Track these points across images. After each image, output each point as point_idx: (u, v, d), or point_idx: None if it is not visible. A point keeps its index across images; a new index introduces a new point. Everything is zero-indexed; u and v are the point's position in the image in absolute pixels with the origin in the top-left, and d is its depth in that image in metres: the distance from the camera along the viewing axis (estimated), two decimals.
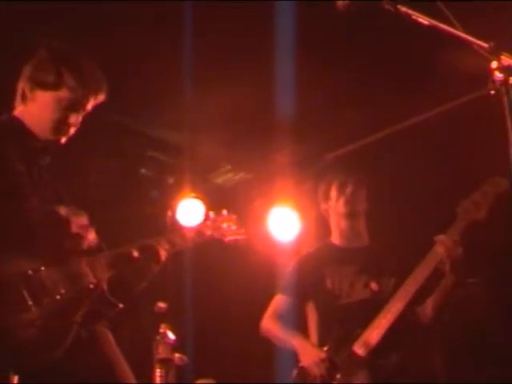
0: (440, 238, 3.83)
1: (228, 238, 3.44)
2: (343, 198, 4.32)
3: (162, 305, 4.57)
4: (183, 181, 6.08)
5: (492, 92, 2.37)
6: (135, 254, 2.97)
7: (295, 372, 4.17)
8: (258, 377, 5.97)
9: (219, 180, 6.57)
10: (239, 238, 3.48)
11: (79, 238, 2.86)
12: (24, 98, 3.02)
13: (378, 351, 3.86)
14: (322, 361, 4.00)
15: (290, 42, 4.74)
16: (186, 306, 6.17)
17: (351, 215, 4.30)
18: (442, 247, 3.80)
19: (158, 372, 4.47)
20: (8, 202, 2.82)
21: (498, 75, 2.34)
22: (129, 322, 5.56)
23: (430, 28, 2.47)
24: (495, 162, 4.20)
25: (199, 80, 5.05)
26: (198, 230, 3.35)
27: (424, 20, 2.48)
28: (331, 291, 4.18)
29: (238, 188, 6.66)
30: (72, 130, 3.03)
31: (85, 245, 2.88)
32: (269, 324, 4.46)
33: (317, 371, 4.01)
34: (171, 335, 4.54)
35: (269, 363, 6.13)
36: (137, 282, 3.03)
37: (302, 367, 4.13)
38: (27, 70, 3.01)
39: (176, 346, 4.57)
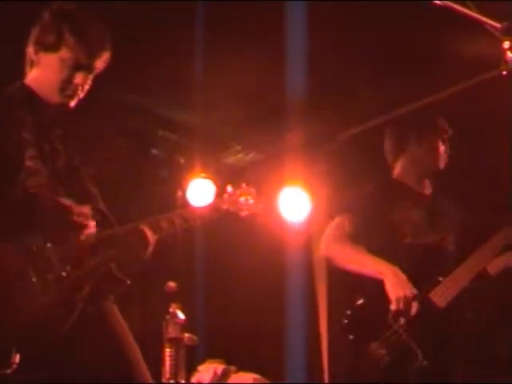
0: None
1: (244, 213, 3.32)
2: (436, 153, 4.08)
3: (172, 284, 4.59)
4: (194, 161, 6.08)
5: (504, 72, 2.35)
6: (120, 236, 2.93)
7: (349, 312, 3.80)
8: (268, 356, 5.99)
9: (230, 160, 6.56)
10: (255, 212, 3.37)
11: (79, 226, 2.85)
12: (31, 62, 3.00)
13: (454, 306, 3.68)
14: (413, 298, 3.65)
15: (301, 22, 4.72)
16: (196, 286, 6.19)
17: (438, 171, 4.11)
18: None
19: (167, 351, 4.49)
20: (11, 174, 2.80)
21: (511, 55, 2.32)
22: (139, 301, 5.58)
23: (443, 7, 2.45)
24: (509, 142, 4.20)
25: (210, 60, 5.04)
26: (214, 204, 3.28)
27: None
28: (397, 228, 3.90)
29: (249, 168, 6.66)
30: (80, 91, 2.98)
31: (84, 234, 2.87)
32: (341, 246, 3.97)
33: (399, 307, 3.63)
34: (181, 315, 4.56)
35: (279, 343, 6.16)
36: (127, 265, 3.01)
37: (362, 305, 3.79)
38: (32, 34, 2.99)
39: (186, 326, 4.59)
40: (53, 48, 2.92)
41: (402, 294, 3.65)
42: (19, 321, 2.66)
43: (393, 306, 3.65)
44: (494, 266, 3.84)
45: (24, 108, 2.94)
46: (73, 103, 3.00)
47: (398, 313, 3.63)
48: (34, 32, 2.98)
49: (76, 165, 3.07)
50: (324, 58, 5.12)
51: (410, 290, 3.66)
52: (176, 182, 5.88)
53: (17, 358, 2.61)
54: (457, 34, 4.28)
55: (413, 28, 4.66)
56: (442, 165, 4.11)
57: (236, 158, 6.61)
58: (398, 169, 4.21)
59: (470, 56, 4.69)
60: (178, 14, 4.63)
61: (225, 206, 3.26)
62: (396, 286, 3.68)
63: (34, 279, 2.69)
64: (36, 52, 2.96)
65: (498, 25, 2.36)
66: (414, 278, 3.71)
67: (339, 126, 6.11)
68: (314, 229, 6.52)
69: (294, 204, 5.84)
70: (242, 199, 3.32)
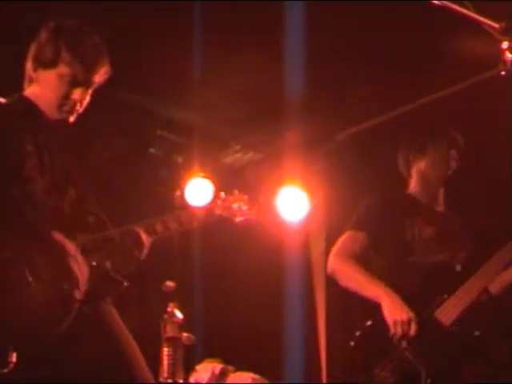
0: None
1: (238, 218, 3.37)
2: (444, 165, 4.09)
3: (170, 284, 4.58)
4: (192, 160, 6.07)
5: (503, 73, 2.35)
6: (116, 239, 2.94)
7: (358, 333, 3.81)
8: (266, 356, 5.99)
9: (228, 160, 6.56)
10: (250, 218, 3.40)
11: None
12: (30, 79, 3.01)
13: (460, 323, 3.67)
14: (409, 321, 3.67)
15: (300, 21, 4.71)
16: (194, 285, 6.19)
17: (445, 180, 4.11)
18: None
19: (165, 351, 4.49)
20: (12, 183, 2.81)
21: (509, 56, 2.32)
22: (136, 301, 5.58)
23: (441, 7, 2.45)
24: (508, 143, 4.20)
25: (209, 59, 5.04)
26: (208, 209, 3.31)
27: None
28: (407, 245, 3.90)
29: (247, 168, 6.65)
30: (79, 107, 3.00)
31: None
32: (344, 264, 3.99)
33: (399, 331, 3.67)
34: (179, 314, 4.55)
35: (277, 343, 6.16)
36: (121, 266, 3.01)
37: (372, 326, 3.79)
38: (31, 51, 3.01)
39: (184, 325, 4.58)
40: (50, 64, 2.93)
41: (398, 318, 3.70)
42: (16, 320, 2.66)
43: (391, 330, 3.70)
44: (496, 285, 3.83)
45: (23, 118, 2.95)
46: (72, 119, 3.01)
47: (398, 336, 3.68)
48: (33, 48, 3.00)
49: (73, 177, 3.07)
50: (323, 57, 5.11)
51: (406, 315, 3.69)
52: (174, 182, 5.87)
53: (14, 358, 2.61)
54: (455, 34, 4.28)
55: (411, 28, 4.66)
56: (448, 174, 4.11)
57: (234, 157, 6.60)
58: (411, 183, 4.21)
59: (469, 56, 4.69)
60: (176, 13, 4.63)
61: (218, 212, 3.29)
62: (392, 310, 3.73)
63: (30, 279, 2.69)
64: (35, 69, 2.97)
65: (496, 25, 2.36)
66: (422, 296, 3.75)
67: (338, 126, 6.10)
68: (312, 228, 6.52)
69: (293, 203, 5.83)
70: (236, 205, 3.34)
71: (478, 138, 5.06)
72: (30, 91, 3.01)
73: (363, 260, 3.97)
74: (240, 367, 5.14)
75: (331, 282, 4.34)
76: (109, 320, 2.93)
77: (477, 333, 3.71)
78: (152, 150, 6.15)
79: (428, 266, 3.86)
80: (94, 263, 2.86)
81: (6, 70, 3.81)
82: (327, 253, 6.30)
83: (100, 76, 3.00)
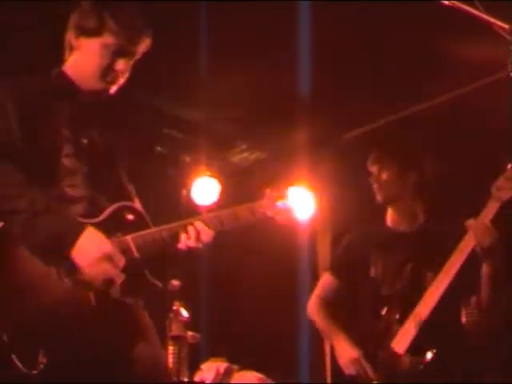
0: (469, 222, 3.61)
1: (280, 217, 3.16)
2: (376, 185, 4.09)
3: (175, 282, 4.58)
4: (199, 159, 6.08)
5: None
6: (165, 237, 2.86)
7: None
8: (271, 355, 5.98)
9: (235, 159, 6.56)
10: (292, 219, 3.23)
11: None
12: (70, 47, 2.94)
13: (415, 348, 3.67)
14: (355, 361, 3.84)
15: (307, 21, 4.71)
16: (199, 284, 6.19)
17: (388, 201, 4.06)
18: (472, 233, 3.59)
19: (170, 349, 4.49)
20: (48, 173, 2.75)
21: None
22: (142, 299, 5.58)
23: (451, 7, 2.44)
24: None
25: (216, 58, 5.03)
26: (253, 208, 3.10)
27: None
28: (374, 280, 3.96)
29: (254, 167, 6.65)
30: (121, 78, 2.92)
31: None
32: (314, 309, 4.25)
33: (349, 371, 3.86)
34: (184, 313, 4.56)
35: (283, 342, 6.15)
36: (166, 264, 2.96)
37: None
38: (72, 19, 2.93)
39: (189, 324, 4.59)
40: (94, 33, 2.86)
41: (345, 360, 3.90)
42: (44, 320, 2.61)
43: (346, 372, 3.89)
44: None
45: (61, 98, 2.88)
46: (113, 89, 2.93)
47: (353, 376, 3.85)
48: (74, 18, 2.92)
49: (114, 159, 3.01)
50: (330, 57, 5.11)
51: (352, 354, 3.87)
52: (181, 181, 5.88)
53: (43, 358, 2.58)
54: (464, 34, 4.26)
55: (420, 28, 4.65)
56: (380, 197, 4.06)
57: (241, 157, 6.60)
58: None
59: (477, 57, 4.68)
60: (183, 12, 4.63)
61: (262, 211, 3.11)
62: (339, 353, 3.95)
63: (56, 278, 2.64)
64: (77, 36, 2.90)
65: (506, 26, 2.35)
66: (388, 329, 3.79)
67: (344, 126, 6.11)
68: (318, 228, 6.52)
69: (299, 204, 5.81)
70: (280, 203, 3.17)
71: (483, 139, 5.06)
72: (70, 63, 2.94)
73: (336, 302, 4.19)
74: (245, 366, 5.13)
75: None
76: (138, 315, 2.87)
77: (429, 356, 3.70)
78: (159, 149, 6.15)
79: (394, 296, 3.87)
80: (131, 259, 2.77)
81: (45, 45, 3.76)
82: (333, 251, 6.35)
83: (143, 47, 2.95)
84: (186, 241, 2.86)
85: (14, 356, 2.55)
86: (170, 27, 4.70)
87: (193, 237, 2.87)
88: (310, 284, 6.37)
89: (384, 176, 4.06)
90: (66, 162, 2.81)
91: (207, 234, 2.90)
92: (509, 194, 3.57)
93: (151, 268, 2.85)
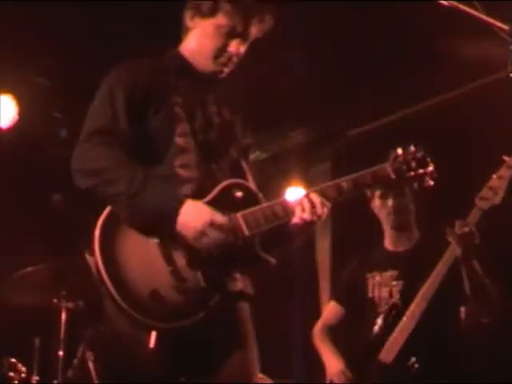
0: (448, 229, 3.71)
1: (410, 174, 2.93)
2: (384, 211, 4.12)
3: None
4: None
5: (511, 75, 2.34)
6: (278, 212, 2.72)
7: None
8: (271, 355, 5.98)
9: None
10: (423, 177, 2.95)
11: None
12: (186, 28, 2.91)
13: (401, 357, 3.76)
14: (341, 372, 4.04)
15: (304, 20, 4.71)
16: None
17: (396, 228, 4.13)
18: (452, 239, 3.69)
19: None
20: (160, 150, 2.73)
21: None
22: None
23: (450, 9, 2.44)
24: None
25: None
26: (376, 172, 2.92)
27: (444, 0, 2.44)
28: (371, 299, 4.08)
29: (254, 167, 6.64)
30: (235, 59, 2.87)
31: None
32: (316, 337, 4.42)
33: (336, 381, 4.04)
34: None
35: (283, 342, 6.16)
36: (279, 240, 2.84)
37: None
38: (189, 0, 2.90)
39: None
40: (209, 14, 2.82)
41: (330, 372, 4.12)
42: (157, 305, 2.57)
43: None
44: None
45: (178, 77, 2.85)
46: (227, 71, 2.89)
47: None
48: None
49: (231, 135, 2.94)
50: (327, 57, 5.11)
51: (336, 367, 4.10)
52: None
53: (153, 336, 2.54)
54: (463, 34, 4.27)
55: (419, 28, 4.65)
56: (398, 221, 4.10)
57: None
58: None
59: (477, 57, 4.68)
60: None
61: (392, 175, 2.90)
62: (327, 366, 4.19)
63: (168, 268, 2.60)
64: (192, 17, 2.87)
65: (505, 27, 2.35)
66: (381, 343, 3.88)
67: (343, 126, 6.11)
68: (317, 228, 6.51)
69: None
70: (414, 164, 2.95)
71: (481, 140, 5.06)
72: (186, 44, 2.92)
73: (339, 327, 4.41)
74: None
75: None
76: (239, 316, 2.81)
77: (416, 365, 3.77)
78: None
79: (387, 311, 3.98)
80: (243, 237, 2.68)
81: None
82: (332, 251, 6.35)
83: (260, 28, 2.89)
84: (300, 214, 2.73)
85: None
86: (167, 28, 4.70)
87: (307, 209, 2.73)
88: (308, 284, 6.40)
89: (399, 203, 4.09)
90: (180, 141, 2.75)
91: (323, 205, 2.77)
92: (489, 203, 3.65)
93: (263, 245, 2.76)
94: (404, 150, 2.97)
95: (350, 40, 4.94)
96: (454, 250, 3.73)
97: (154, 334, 2.54)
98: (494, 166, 3.74)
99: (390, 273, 4.06)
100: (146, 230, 2.62)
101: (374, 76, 5.26)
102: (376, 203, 4.16)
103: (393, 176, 2.91)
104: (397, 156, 2.95)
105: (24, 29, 4.82)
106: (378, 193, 4.13)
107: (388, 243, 4.20)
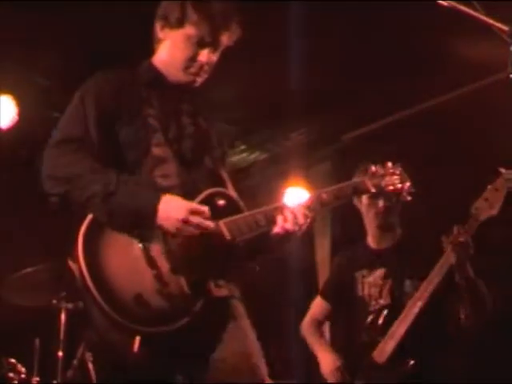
0: (445, 239, 3.77)
1: (389, 188, 3.08)
2: (373, 210, 4.14)
3: None
4: None
5: (511, 76, 2.34)
6: (259, 221, 2.75)
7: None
8: (271, 355, 5.97)
9: (234, 159, 6.55)
10: (401, 192, 3.11)
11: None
12: (157, 39, 2.92)
13: (395, 358, 3.80)
14: (337, 369, 4.07)
15: (304, 21, 4.70)
16: None
17: (382, 228, 4.16)
18: (450, 248, 3.74)
19: None
20: (137, 161, 2.73)
21: None
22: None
23: (450, 9, 2.44)
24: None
25: None
26: (356, 185, 3.04)
27: (443, 1, 2.44)
28: (362, 298, 4.10)
29: (253, 168, 6.65)
30: (206, 69, 2.88)
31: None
32: (305, 330, 4.52)
33: (332, 379, 4.07)
34: None
35: (282, 343, 6.15)
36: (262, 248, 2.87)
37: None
38: (159, 10, 2.91)
39: None
40: (177, 24, 2.82)
41: (325, 369, 4.17)
42: (143, 310, 2.56)
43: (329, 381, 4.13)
44: None
45: (151, 88, 2.85)
46: (200, 80, 2.90)
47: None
48: (160, 8, 2.90)
49: (206, 145, 2.94)
50: (328, 57, 5.11)
51: (332, 364, 4.12)
52: None
53: (137, 341, 2.53)
54: (463, 35, 4.26)
55: (418, 28, 4.65)
56: (386, 221, 4.12)
57: (240, 157, 6.60)
58: None
59: (477, 58, 4.68)
60: None
61: (367, 186, 3.03)
62: (321, 363, 4.24)
63: (149, 269, 2.60)
64: (162, 28, 2.87)
65: (506, 28, 2.34)
66: (373, 343, 3.92)
67: (343, 127, 6.11)
68: (317, 229, 6.51)
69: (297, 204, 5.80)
70: (387, 178, 3.08)
71: (482, 140, 5.05)
72: (158, 55, 2.92)
73: (325, 322, 4.63)
74: None
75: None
76: (235, 313, 2.81)
77: (411, 362, 3.80)
78: None
79: (379, 310, 4.01)
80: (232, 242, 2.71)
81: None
82: (332, 253, 6.35)
83: (229, 36, 2.90)
84: (282, 224, 2.76)
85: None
86: None
87: (290, 219, 2.76)
88: (307, 286, 6.40)
89: (390, 204, 4.10)
90: (157, 151, 2.76)
91: (305, 216, 2.80)
92: (486, 215, 3.69)
93: (247, 252, 2.79)
94: (383, 165, 3.09)
95: (350, 40, 4.94)
96: (448, 257, 3.77)
97: (137, 339, 2.54)
98: (494, 167, 3.75)
99: (379, 271, 4.09)
100: (126, 229, 2.61)
101: (374, 76, 5.26)
102: (364, 201, 4.16)
103: (373, 190, 3.04)
104: (376, 170, 3.08)
105: (24, 29, 4.82)
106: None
107: (371, 241, 4.23)
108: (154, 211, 2.61)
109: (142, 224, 2.62)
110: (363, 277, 4.14)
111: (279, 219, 2.76)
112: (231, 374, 2.71)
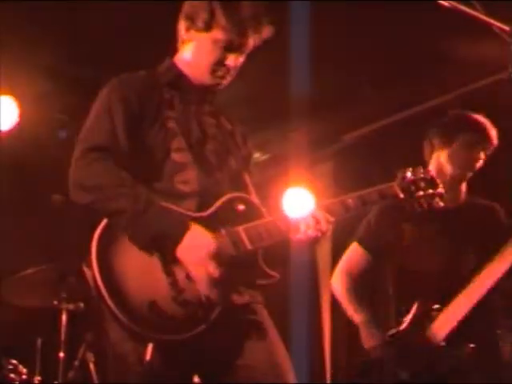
0: None
1: (419, 194, 2.91)
2: (468, 163, 3.73)
3: None
4: None
5: None
6: (281, 227, 2.69)
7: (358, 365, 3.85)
8: None
9: None
10: (433, 197, 2.93)
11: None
12: (182, 39, 2.84)
13: (454, 338, 3.47)
14: (382, 346, 3.65)
15: (304, 22, 4.70)
16: None
17: (457, 177, 3.75)
18: None
19: None
20: (157, 166, 2.69)
21: None
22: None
23: (451, 9, 2.44)
24: None
25: None
26: (384, 190, 2.89)
27: (444, 1, 2.44)
28: (407, 254, 3.74)
29: (254, 168, 6.63)
30: (232, 73, 2.82)
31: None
32: (338, 283, 3.96)
33: (376, 355, 3.65)
34: None
35: (283, 341, 6.14)
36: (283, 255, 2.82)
37: (367, 356, 3.74)
38: (183, 10, 2.82)
39: None
40: (205, 28, 2.75)
41: (372, 344, 3.68)
42: (158, 318, 2.53)
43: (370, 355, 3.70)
44: None
45: (172, 89, 2.80)
46: (225, 83, 2.84)
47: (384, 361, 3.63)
48: (185, 8, 2.82)
49: (231, 145, 2.90)
50: (328, 58, 5.11)
51: (381, 340, 3.66)
52: None
53: (149, 348, 2.50)
54: (464, 35, 4.26)
55: (419, 29, 4.65)
56: (454, 170, 3.76)
57: None
58: None
59: (477, 58, 4.68)
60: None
61: (397, 191, 2.88)
62: (365, 339, 3.72)
63: (165, 277, 2.57)
64: (187, 29, 2.80)
65: (506, 27, 2.35)
66: (420, 307, 3.59)
67: (343, 127, 6.11)
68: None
69: (299, 204, 5.82)
70: (422, 184, 2.92)
71: None
72: (181, 55, 2.86)
73: (363, 276, 3.93)
74: None
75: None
76: (260, 319, 2.78)
77: (471, 345, 3.48)
78: None
79: (431, 274, 3.67)
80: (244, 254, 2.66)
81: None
82: (332, 253, 6.34)
83: (258, 38, 2.84)
84: (305, 230, 2.70)
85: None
86: (170, 31, 4.70)
87: (312, 226, 2.71)
88: (308, 286, 6.40)
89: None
90: (177, 157, 2.71)
91: (328, 222, 2.74)
92: None
93: (267, 259, 2.73)
94: (413, 170, 2.94)
95: (350, 40, 4.94)
96: None
97: (150, 346, 2.51)
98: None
99: (431, 228, 3.73)
100: (145, 248, 2.58)
101: (375, 76, 5.26)
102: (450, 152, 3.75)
103: (401, 195, 2.89)
104: (405, 176, 2.92)
105: (25, 30, 4.82)
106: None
107: None
108: (178, 240, 2.57)
109: (162, 248, 2.58)
110: (410, 231, 3.77)
111: (302, 226, 2.71)
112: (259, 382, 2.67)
